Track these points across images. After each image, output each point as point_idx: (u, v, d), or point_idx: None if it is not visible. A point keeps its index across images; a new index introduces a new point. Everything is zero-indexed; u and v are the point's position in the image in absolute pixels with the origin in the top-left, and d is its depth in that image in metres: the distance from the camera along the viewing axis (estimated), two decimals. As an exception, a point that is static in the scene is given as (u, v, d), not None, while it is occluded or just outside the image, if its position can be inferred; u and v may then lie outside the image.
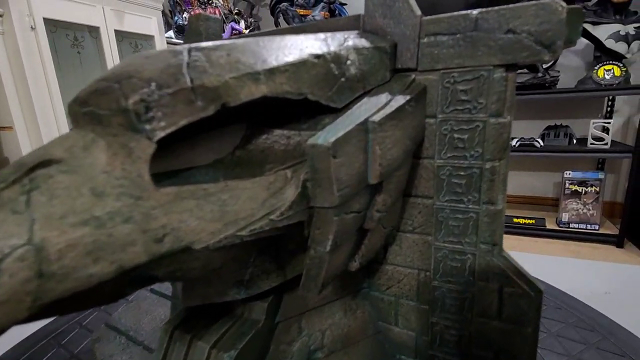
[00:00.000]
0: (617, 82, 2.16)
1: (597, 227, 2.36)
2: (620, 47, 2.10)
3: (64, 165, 0.26)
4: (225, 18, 3.25)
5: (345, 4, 2.89)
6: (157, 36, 2.64)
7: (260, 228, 0.31)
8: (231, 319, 0.45)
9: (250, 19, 3.40)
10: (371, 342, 0.52)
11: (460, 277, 0.45)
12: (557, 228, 2.44)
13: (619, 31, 2.09)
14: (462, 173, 0.42)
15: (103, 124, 0.29)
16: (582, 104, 2.56)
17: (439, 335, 0.47)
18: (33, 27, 1.89)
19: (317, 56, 0.35)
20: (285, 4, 2.96)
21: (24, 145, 1.88)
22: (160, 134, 0.29)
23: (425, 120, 0.43)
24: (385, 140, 0.34)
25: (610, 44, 2.12)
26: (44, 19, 1.93)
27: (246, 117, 0.37)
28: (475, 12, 0.38)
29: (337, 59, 0.37)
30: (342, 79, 0.37)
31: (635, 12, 2.07)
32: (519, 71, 1.86)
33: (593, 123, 2.23)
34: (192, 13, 3.13)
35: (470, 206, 0.42)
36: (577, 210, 2.40)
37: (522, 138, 2.46)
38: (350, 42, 0.39)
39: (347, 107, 0.38)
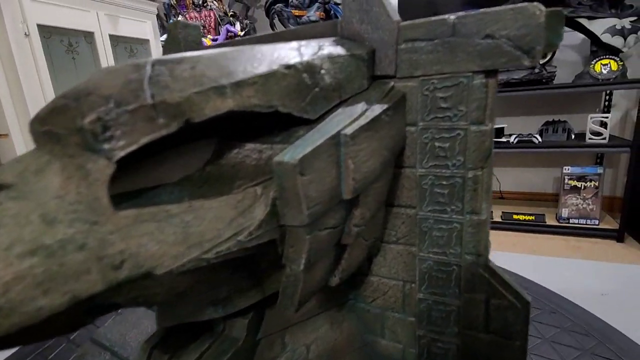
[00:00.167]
0: (614, 76, 2.15)
1: (597, 222, 2.35)
2: (616, 41, 2.09)
3: (13, 191, 0.25)
4: (221, 20, 3.24)
5: (340, 4, 2.87)
6: (153, 40, 2.63)
7: (228, 249, 0.30)
8: (211, 337, 0.43)
9: (246, 21, 3.39)
10: (358, 355, 0.50)
11: (446, 288, 0.43)
12: (557, 224, 2.44)
13: (614, 25, 2.07)
14: (444, 182, 0.41)
15: (61, 143, 0.28)
16: (579, 98, 2.55)
17: (427, 348, 0.46)
18: (27, 33, 1.88)
19: (288, 66, 0.34)
20: (280, 5, 2.95)
21: (20, 152, 1.87)
22: (120, 154, 0.27)
23: (405, 129, 0.41)
24: (359, 153, 0.33)
25: (606, 38, 2.11)
26: (38, 25, 1.93)
27: (218, 131, 0.35)
28: (452, 17, 0.36)
29: (310, 68, 0.35)
30: (316, 89, 0.36)
31: (631, 6, 2.06)
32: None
33: (591, 118, 2.23)
34: (187, 16, 3.12)
35: (454, 216, 0.41)
36: (577, 205, 2.39)
37: (521, 134, 2.45)
38: (325, 50, 0.38)
39: (323, 117, 0.37)
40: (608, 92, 2.43)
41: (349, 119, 0.34)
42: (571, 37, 2.43)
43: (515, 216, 2.52)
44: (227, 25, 3.15)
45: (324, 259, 0.37)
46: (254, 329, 0.44)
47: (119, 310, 0.70)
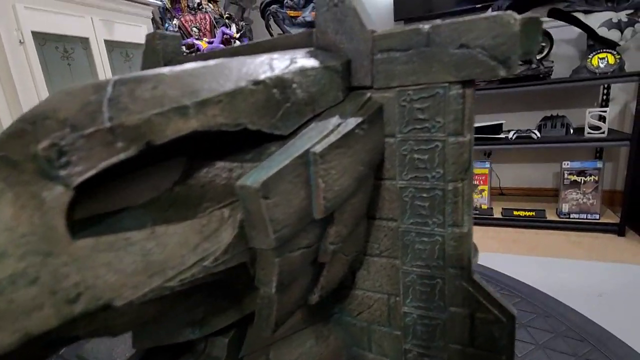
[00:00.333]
0: (611, 70, 2.14)
1: (597, 216, 2.33)
2: (613, 35, 2.07)
3: (-39, 226, 0.24)
4: (216, 23, 3.22)
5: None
6: (148, 44, 2.61)
7: (192, 276, 0.29)
8: (192, 356, 0.43)
9: (242, 23, 3.37)
10: (345, 369, 0.50)
11: (430, 302, 0.42)
12: (558, 219, 2.43)
13: (611, 19, 2.06)
14: (425, 195, 0.40)
15: (17, 170, 0.27)
16: (577, 93, 2.53)
17: (413, 362, 0.45)
18: (22, 41, 1.87)
19: (257, 82, 0.33)
20: (275, 6, 2.93)
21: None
22: (78, 180, 0.26)
23: (384, 140, 0.40)
24: (330, 171, 0.32)
25: (603, 32, 2.09)
26: (32, 32, 1.92)
27: (189, 149, 0.34)
28: (427, 26, 0.35)
29: (280, 83, 0.34)
30: (287, 104, 0.35)
31: (627, -1, 2.04)
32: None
33: (589, 112, 2.21)
34: (182, 19, 3.10)
35: (436, 229, 0.40)
36: (577, 200, 2.37)
37: (519, 130, 2.43)
38: (297, 63, 0.37)
39: (296, 132, 0.36)
40: (606, 85, 2.42)
41: (319, 135, 0.33)
42: (568, 32, 2.42)
43: (515, 212, 2.51)
44: (223, 28, 3.14)
45: (300, 278, 0.36)
46: (236, 347, 0.43)
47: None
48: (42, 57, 1.99)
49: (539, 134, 2.37)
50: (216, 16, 3.27)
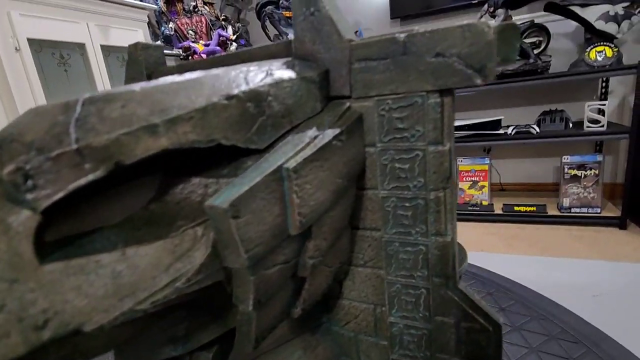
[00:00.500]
0: (609, 63, 2.12)
1: (598, 210, 2.32)
2: (610, 28, 2.06)
3: None
4: (212, 25, 3.22)
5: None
6: (144, 48, 2.61)
7: (165, 298, 0.28)
8: (177, 371, 0.42)
9: (238, 24, 3.37)
10: (334, 379, 0.49)
11: (416, 312, 0.42)
12: (559, 213, 2.41)
13: (608, 12, 2.04)
14: (407, 204, 0.39)
15: None
16: (576, 87, 2.52)
17: (401, 372, 0.45)
18: (18, 48, 1.87)
19: (230, 97, 0.32)
20: (271, 7, 2.92)
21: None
22: (45, 203, 0.26)
23: (365, 150, 0.40)
24: (304, 186, 0.31)
25: (600, 25, 2.08)
26: (28, 39, 1.92)
27: (164, 165, 0.34)
28: (403, 35, 0.35)
29: (255, 96, 0.34)
30: (263, 117, 0.34)
31: (623, -9, 2.03)
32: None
33: (588, 106, 2.20)
34: (178, 22, 3.10)
35: (419, 238, 0.39)
36: (578, 194, 2.36)
37: (518, 125, 2.42)
38: (273, 75, 0.36)
39: (273, 145, 0.35)
40: (604, 79, 2.40)
41: (294, 149, 0.32)
42: (564, 25, 2.40)
43: (516, 207, 2.49)
44: (219, 30, 3.13)
45: (280, 293, 0.35)
46: (221, 361, 0.43)
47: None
48: (38, 64, 1.99)
49: (538, 129, 2.36)
50: (212, 18, 3.26)
